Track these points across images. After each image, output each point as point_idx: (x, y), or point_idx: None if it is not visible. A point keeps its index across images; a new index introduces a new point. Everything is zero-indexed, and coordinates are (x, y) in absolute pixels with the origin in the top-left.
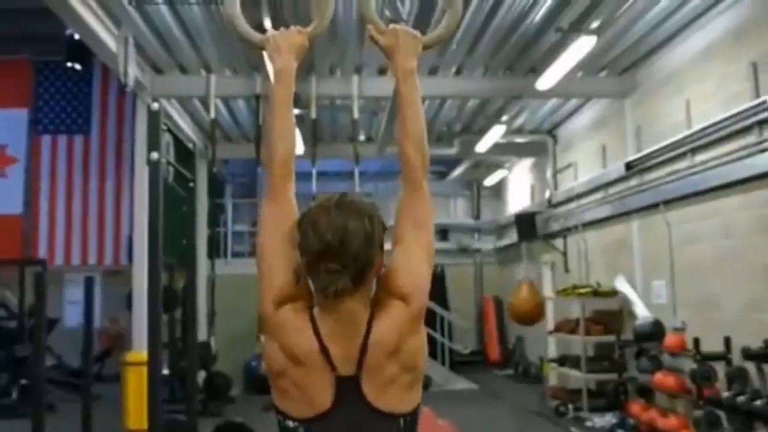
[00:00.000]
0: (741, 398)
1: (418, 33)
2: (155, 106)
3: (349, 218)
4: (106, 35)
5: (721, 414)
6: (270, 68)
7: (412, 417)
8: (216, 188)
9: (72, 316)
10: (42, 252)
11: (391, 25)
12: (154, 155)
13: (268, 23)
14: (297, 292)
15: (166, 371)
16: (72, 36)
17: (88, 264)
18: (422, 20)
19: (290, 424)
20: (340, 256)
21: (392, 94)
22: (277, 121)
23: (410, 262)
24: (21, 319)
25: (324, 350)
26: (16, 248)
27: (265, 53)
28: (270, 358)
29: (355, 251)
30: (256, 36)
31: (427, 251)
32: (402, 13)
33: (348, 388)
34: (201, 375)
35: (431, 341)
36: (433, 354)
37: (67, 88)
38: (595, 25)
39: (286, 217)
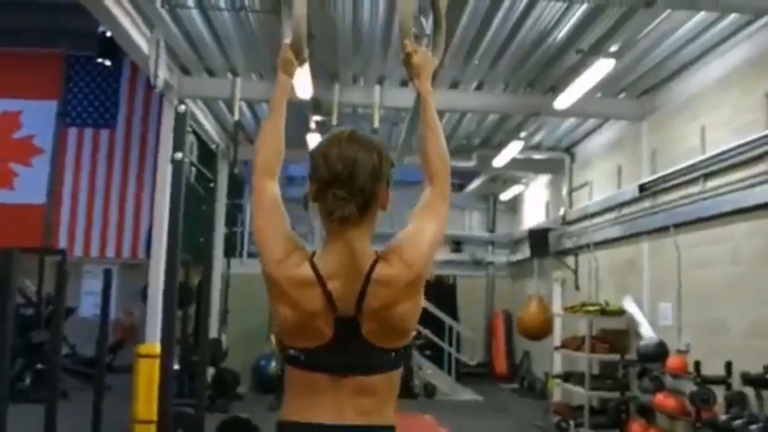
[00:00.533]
0: (737, 422)
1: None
2: (182, 108)
3: (359, 151)
4: (137, 35)
5: None
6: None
7: (405, 350)
8: (235, 188)
9: (87, 307)
10: (62, 242)
11: (420, 48)
12: (179, 155)
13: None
14: (293, 250)
15: (176, 366)
16: (104, 32)
17: (107, 256)
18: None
19: (292, 352)
20: (348, 185)
21: (413, 105)
22: (265, 129)
23: (420, 236)
24: (38, 306)
25: (326, 293)
26: (37, 237)
27: None
28: (277, 313)
29: (362, 183)
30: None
31: (436, 234)
32: (425, 28)
33: (347, 326)
34: (210, 371)
35: (438, 350)
36: (439, 363)
37: (96, 83)
38: (614, 48)
39: (273, 204)
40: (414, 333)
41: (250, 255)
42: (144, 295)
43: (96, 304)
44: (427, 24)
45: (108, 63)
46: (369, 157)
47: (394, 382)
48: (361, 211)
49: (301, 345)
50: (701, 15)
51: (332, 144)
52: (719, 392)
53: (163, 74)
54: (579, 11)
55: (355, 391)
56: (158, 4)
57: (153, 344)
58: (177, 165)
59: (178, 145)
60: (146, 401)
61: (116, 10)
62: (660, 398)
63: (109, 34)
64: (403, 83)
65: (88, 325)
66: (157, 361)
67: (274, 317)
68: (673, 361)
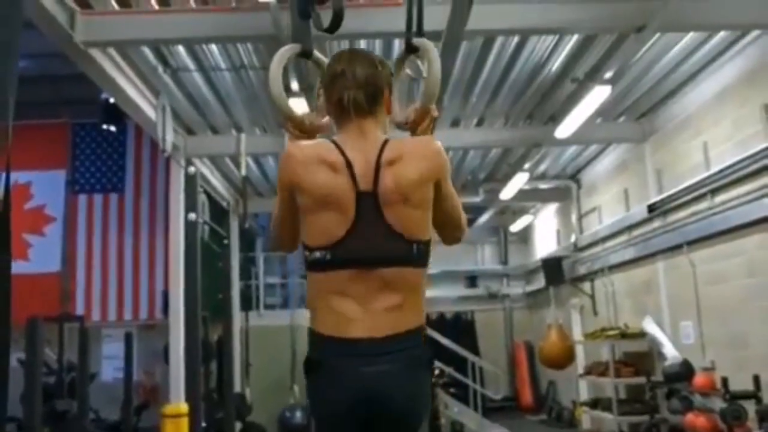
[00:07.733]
0: None
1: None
2: (192, 170)
3: (362, 58)
4: (142, 101)
5: None
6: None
7: (425, 247)
8: (247, 242)
9: (108, 371)
10: (79, 308)
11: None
12: (192, 216)
13: (295, 86)
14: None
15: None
16: (107, 99)
17: (124, 319)
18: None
19: (317, 254)
20: (354, 80)
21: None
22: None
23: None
24: (60, 374)
25: (348, 164)
26: (54, 305)
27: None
28: (306, 192)
29: (366, 77)
30: (295, 115)
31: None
32: (422, 70)
33: (367, 204)
34: (237, 426)
35: (463, 387)
36: (465, 400)
37: (103, 149)
38: (609, 74)
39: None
40: (428, 224)
41: (267, 307)
42: (165, 354)
43: (116, 367)
44: (423, 67)
45: (113, 128)
46: (371, 62)
47: (418, 284)
48: (368, 102)
49: (324, 239)
50: (691, 35)
51: (337, 58)
52: (749, 407)
53: (170, 137)
54: (571, 42)
55: (382, 287)
56: (161, 70)
57: (178, 404)
58: (190, 225)
59: (190, 205)
60: None
61: (120, 80)
62: (690, 418)
63: (112, 100)
64: None
65: (109, 390)
66: (183, 420)
67: (301, 214)
68: (699, 379)
